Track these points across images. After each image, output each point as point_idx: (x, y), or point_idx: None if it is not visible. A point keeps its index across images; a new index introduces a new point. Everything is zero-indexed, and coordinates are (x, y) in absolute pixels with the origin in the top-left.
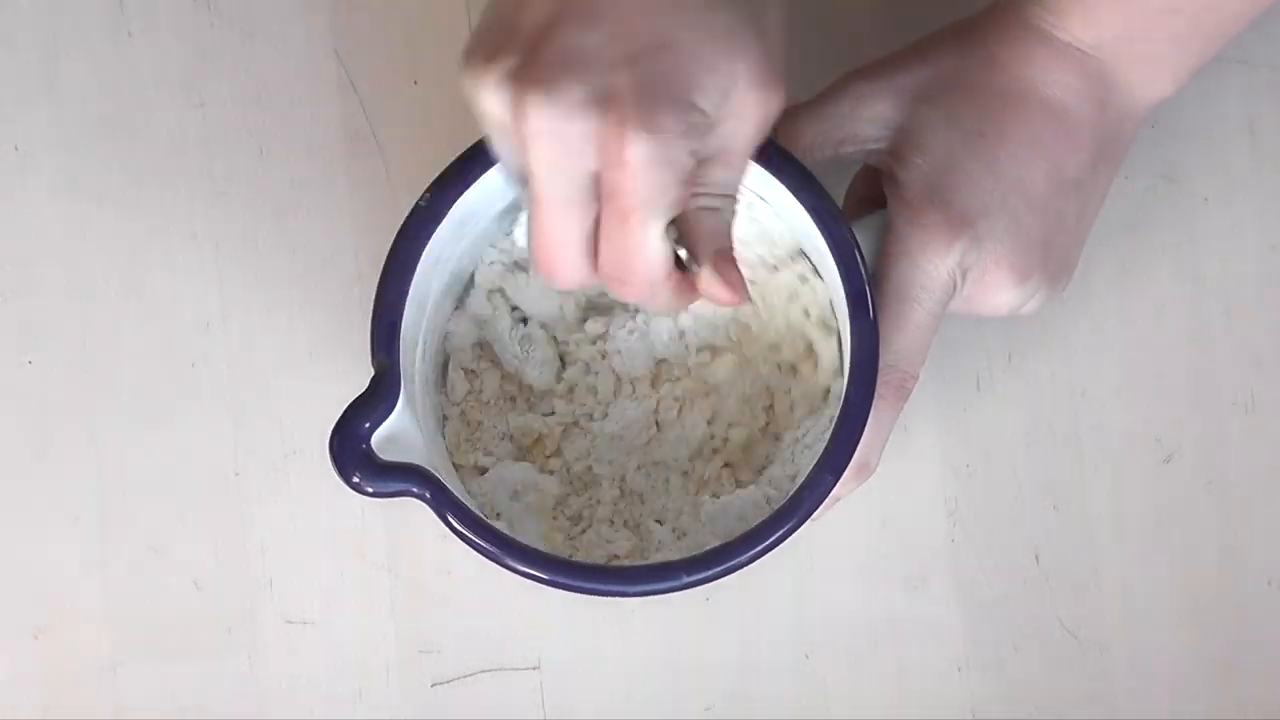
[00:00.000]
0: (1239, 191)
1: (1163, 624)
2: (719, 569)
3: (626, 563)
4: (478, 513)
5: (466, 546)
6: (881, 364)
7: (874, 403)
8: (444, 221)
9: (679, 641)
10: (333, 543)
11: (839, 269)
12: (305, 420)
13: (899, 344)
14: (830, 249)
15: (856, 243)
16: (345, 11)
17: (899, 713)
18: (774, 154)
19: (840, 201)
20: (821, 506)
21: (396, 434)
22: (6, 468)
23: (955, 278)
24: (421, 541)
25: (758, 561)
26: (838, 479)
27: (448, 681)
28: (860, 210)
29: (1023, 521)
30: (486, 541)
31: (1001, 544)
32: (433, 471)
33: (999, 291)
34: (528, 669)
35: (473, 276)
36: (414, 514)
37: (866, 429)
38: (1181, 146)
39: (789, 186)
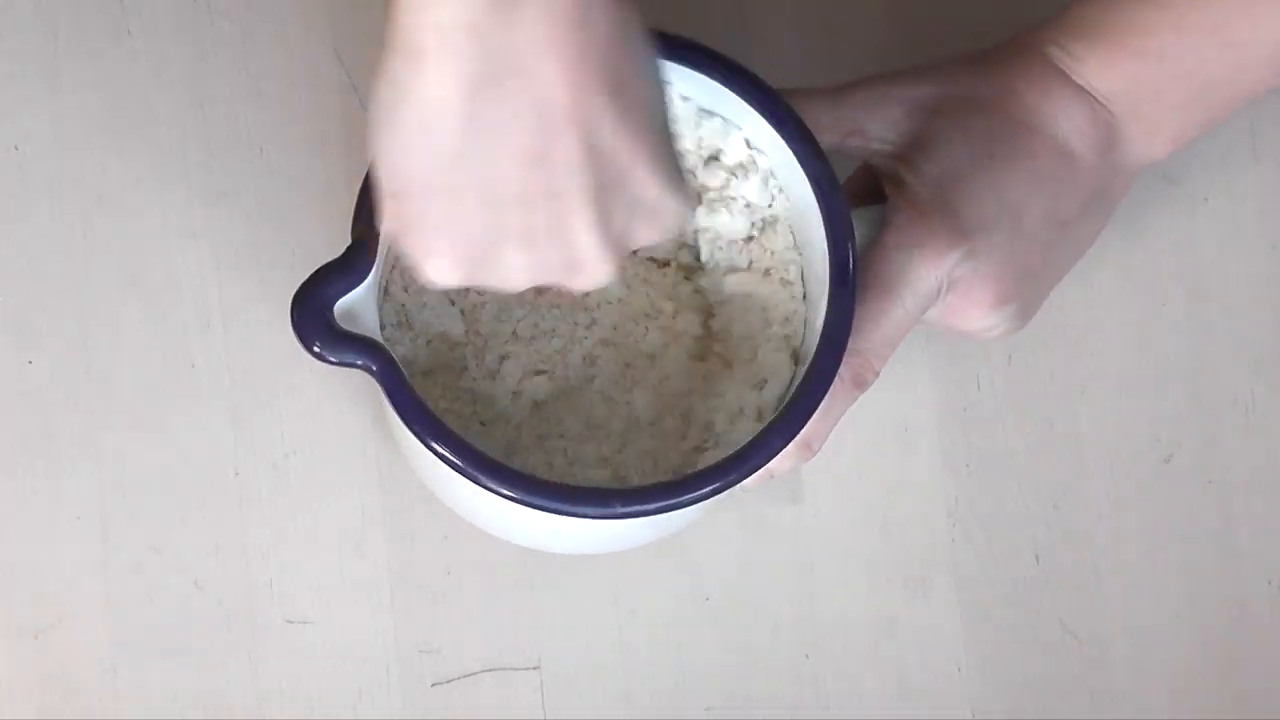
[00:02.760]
0: (1239, 191)
1: (1163, 624)
2: (652, 505)
3: (556, 479)
4: (421, 397)
5: (466, 551)
6: (849, 349)
7: (833, 384)
8: None
9: (679, 641)
10: (333, 543)
11: (828, 238)
12: (305, 420)
13: (872, 335)
14: (824, 218)
15: (849, 220)
16: (345, 11)
17: (899, 713)
18: (788, 119)
19: None
20: (756, 475)
21: (356, 310)
22: (6, 468)
23: (942, 285)
24: (421, 541)
25: (757, 561)
26: (786, 444)
27: (448, 681)
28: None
29: (1023, 521)
30: (422, 425)
31: (1001, 544)
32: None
33: (978, 309)
34: (528, 669)
35: None
36: (414, 514)
37: (819, 408)
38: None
39: (795, 151)
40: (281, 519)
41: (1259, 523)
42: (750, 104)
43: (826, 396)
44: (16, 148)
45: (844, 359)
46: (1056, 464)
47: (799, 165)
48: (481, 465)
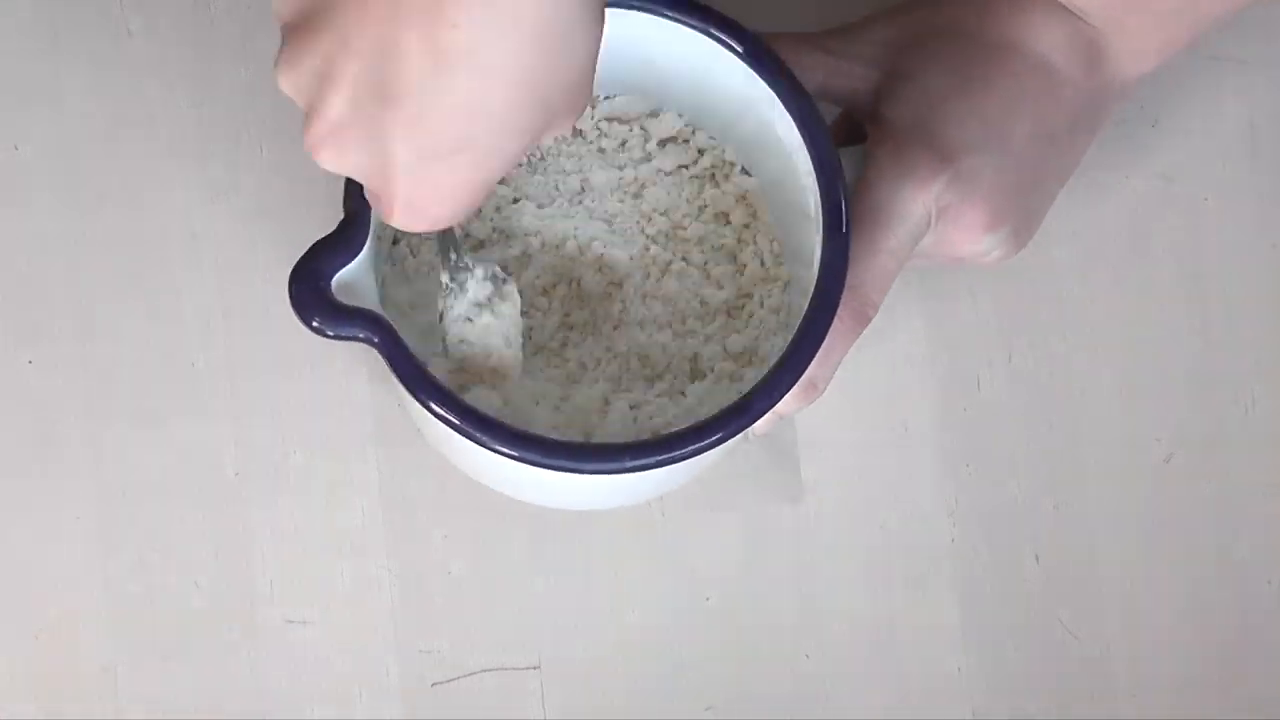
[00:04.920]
0: (1239, 191)
1: (1163, 624)
2: (664, 455)
3: (566, 438)
4: (426, 366)
5: (466, 551)
6: (847, 285)
7: (833, 323)
8: None
9: (679, 641)
10: (333, 543)
11: (819, 181)
12: (305, 420)
13: (866, 269)
14: (812, 161)
15: (838, 159)
16: None
17: (899, 713)
18: (773, 66)
19: None
20: (764, 419)
21: (354, 284)
22: (6, 468)
23: (930, 212)
24: (421, 541)
25: (757, 561)
26: (791, 386)
27: (448, 681)
28: None
29: (1023, 521)
30: (425, 392)
31: (1001, 544)
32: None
33: (970, 233)
34: (528, 669)
35: None
36: (414, 514)
37: (821, 348)
38: (1181, 146)
39: (781, 96)
40: (281, 519)
41: (1259, 523)
42: (731, 48)
43: (828, 336)
44: (16, 148)
45: (843, 297)
46: (1056, 464)
47: (783, 106)
48: (484, 426)
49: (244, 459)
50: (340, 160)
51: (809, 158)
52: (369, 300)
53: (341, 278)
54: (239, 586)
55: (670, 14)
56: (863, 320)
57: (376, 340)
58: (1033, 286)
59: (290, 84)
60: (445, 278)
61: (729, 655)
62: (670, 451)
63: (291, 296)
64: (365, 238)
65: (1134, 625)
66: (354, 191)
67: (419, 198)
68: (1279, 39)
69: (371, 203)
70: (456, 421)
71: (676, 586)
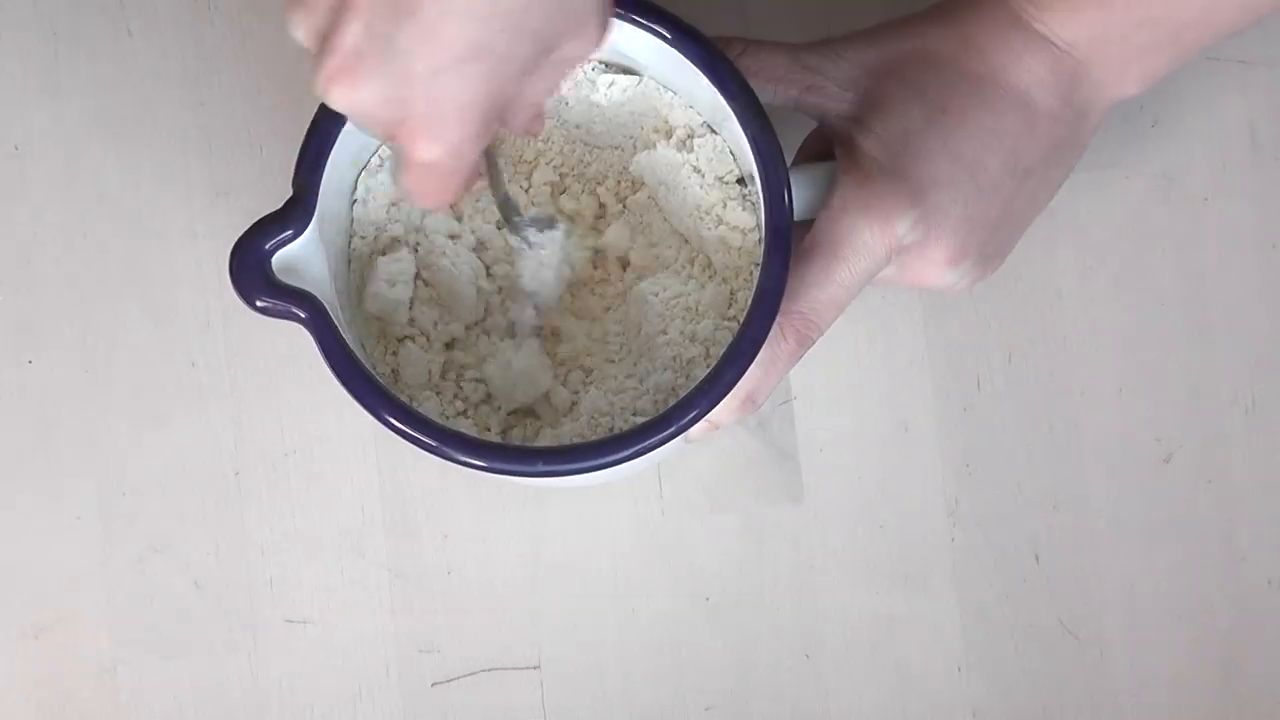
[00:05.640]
0: (1239, 191)
1: (1163, 624)
2: (586, 463)
3: (491, 439)
4: (357, 352)
5: (466, 551)
6: (794, 309)
7: (777, 342)
8: None
9: (679, 641)
10: (333, 543)
11: (765, 202)
12: (305, 420)
13: (817, 296)
14: (761, 181)
15: (788, 182)
16: None
17: (899, 713)
18: (732, 82)
19: (789, 154)
20: (698, 425)
21: (298, 263)
22: (6, 468)
23: (891, 250)
24: (421, 541)
25: (757, 561)
26: (714, 403)
27: (448, 681)
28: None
29: (1023, 521)
30: (352, 379)
31: (1001, 544)
32: (324, 303)
33: (933, 267)
34: (528, 669)
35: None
36: (414, 514)
37: (762, 363)
38: (1181, 146)
39: (737, 113)
40: (281, 519)
41: (1259, 523)
42: (692, 60)
43: (769, 355)
44: (16, 148)
45: (788, 319)
46: (1056, 464)
47: (738, 124)
48: (399, 414)
49: (244, 459)
50: (353, 94)
51: (758, 178)
52: (314, 277)
53: (284, 257)
54: (239, 586)
55: (637, 19)
56: (804, 343)
57: (304, 317)
58: (1032, 286)
59: (303, 22)
60: (514, 241)
61: (729, 655)
62: (585, 460)
63: (231, 272)
64: (310, 217)
65: (1134, 625)
66: (303, 168)
67: (439, 116)
68: (1279, 39)
69: (389, 140)
70: (384, 416)
71: (676, 586)
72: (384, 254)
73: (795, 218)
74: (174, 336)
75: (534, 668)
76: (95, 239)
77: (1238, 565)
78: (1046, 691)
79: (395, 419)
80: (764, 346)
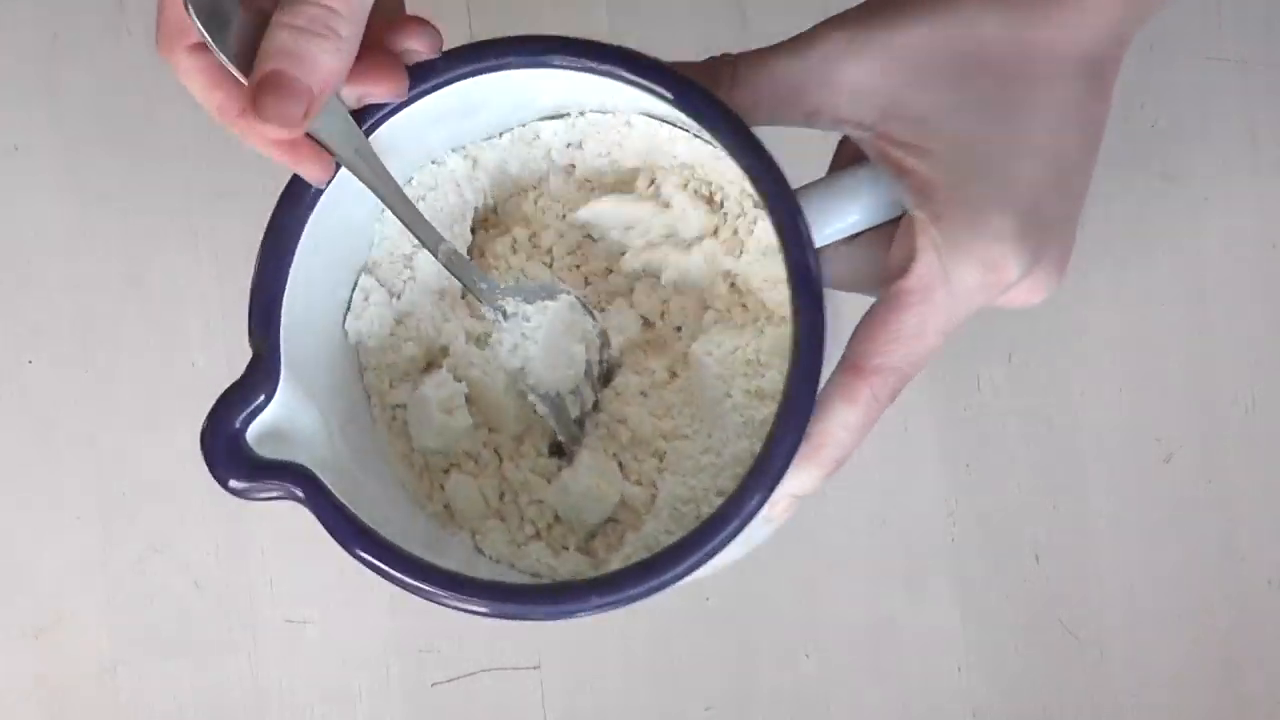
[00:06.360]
0: (1239, 191)
1: (1163, 624)
2: (635, 591)
3: (521, 581)
4: (360, 518)
5: None
6: (889, 365)
7: (870, 404)
8: (334, 187)
9: (679, 641)
10: (333, 543)
11: (783, 246)
12: None
13: (915, 349)
14: (774, 225)
15: (801, 214)
16: None
17: (899, 713)
18: (708, 109)
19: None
20: (780, 505)
21: (280, 426)
22: (7, 468)
23: (1004, 290)
24: None
25: (757, 561)
26: (769, 494)
27: (448, 681)
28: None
29: (1023, 521)
30: (363, 549)
31: (1001, 544)
32: (314, 470)
33: (1039, 292)
34: (528, 669)
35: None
36: None
37: (853, 428)
38: (1181, 146)
39: (727, 147)
40: (281, 519)
41: (1259, 523)
42: (669, 99)
43: (863, 418)
44: (16, 148)
45: (882, 378)
46: (1056, 464)
47: (733, 160)
48: (419, 574)
49: None
50: None
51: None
52: (303, 437)
53: (261, 426)
54: (239, 586)
55: (606, 72)
56: (892, 398)
57: (302, 496)
58: None
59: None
60: (488, 311)
61: (729, 655)
62: (636, 588)
63: (206, 457)
64: (277, 376)
65: (1134, 625)
66: (256, 327)
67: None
68: (1279, 39)
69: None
70: (404, 578)
71: (676, 586)
72: (406, 379)
73: (857, 229)
74: (174, 337)
75: (534, 668)
76: (95, 239)
77: (1238, 565)
78: (1046, 691)
79: (449, 592)
80: (856, 408)
